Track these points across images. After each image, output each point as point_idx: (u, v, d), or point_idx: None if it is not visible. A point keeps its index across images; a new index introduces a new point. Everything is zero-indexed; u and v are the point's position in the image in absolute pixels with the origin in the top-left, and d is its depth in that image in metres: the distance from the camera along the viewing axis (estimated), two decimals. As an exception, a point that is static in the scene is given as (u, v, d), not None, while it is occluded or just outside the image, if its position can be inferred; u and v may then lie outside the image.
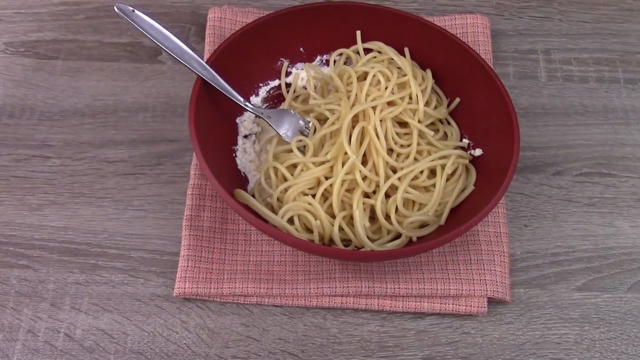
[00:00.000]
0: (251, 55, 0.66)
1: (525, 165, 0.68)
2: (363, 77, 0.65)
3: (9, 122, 0.68)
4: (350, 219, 0.59)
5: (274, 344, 0.58)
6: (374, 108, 0.61)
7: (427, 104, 0.64)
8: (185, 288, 0.59)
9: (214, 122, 0.62)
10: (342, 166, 0.59)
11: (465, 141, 0.65)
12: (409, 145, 0.62)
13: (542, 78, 0.74)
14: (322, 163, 0.60)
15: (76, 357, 0.57)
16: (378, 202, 0.59)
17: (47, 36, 0.73)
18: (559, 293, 0.62)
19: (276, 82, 0.69)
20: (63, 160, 0.66)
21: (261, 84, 0.68)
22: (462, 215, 0.59)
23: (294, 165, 0.61)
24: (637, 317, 0.61)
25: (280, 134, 0.63)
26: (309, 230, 0.59)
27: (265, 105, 0.68)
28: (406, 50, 0.67)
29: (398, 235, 0.60)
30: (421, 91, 0.64)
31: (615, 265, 0.63)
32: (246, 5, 0.74)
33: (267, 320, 0.59)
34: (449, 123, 0.66)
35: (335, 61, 0.68)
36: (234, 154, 0.64)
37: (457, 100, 0.66)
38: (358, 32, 0.68)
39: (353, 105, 0.62)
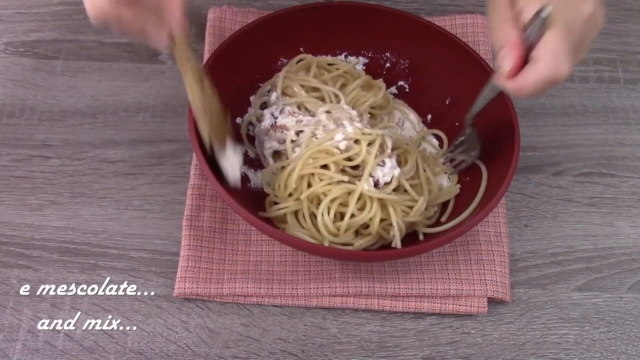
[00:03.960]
0: (251, 56, 0.66)
1: (525, 165, 0.68)
2: None
3: (9, 122, 0.68)
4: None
5: (274, 344, 0.58)
6: None
7: None
8: (185, 288, 0.58)
9: (214, 122, 0.61)
10: None
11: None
12: None
13: (542, 78, 0.74)
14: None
15: (76, 357, 0.57)
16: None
17: (47, 36, 0.73)
18: (559, 293, 0.62)
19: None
20: (63, 160, 0.66)
21: (261, 84, 0.68)
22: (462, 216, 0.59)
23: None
24: (637, 317, 0.61)
25: None
26: None
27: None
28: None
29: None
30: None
31: (615, 265, 0.63)
32: (246, 5, 0.74)
33: (267, 320, 0.59)
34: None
35: None
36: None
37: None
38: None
39: None
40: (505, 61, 0.48)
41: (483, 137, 0.64)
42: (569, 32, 0.46)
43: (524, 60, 0.48)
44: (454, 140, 0.65)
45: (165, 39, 0.50)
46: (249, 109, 0.67)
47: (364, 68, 0.69)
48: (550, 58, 0.46)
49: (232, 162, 0.58)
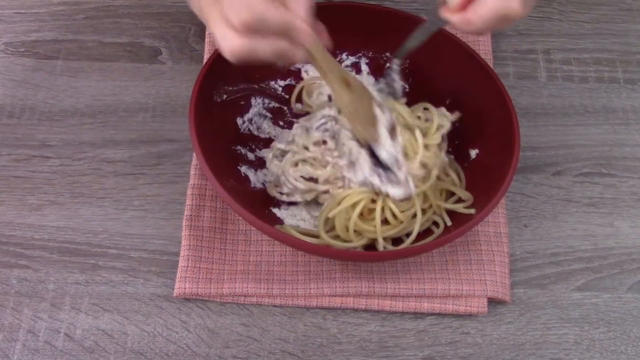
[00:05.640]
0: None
1: (525, 165, 0.68)
2: None
3: (9, 122, 0.68)
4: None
5: (274, 344, 0.58)
6: None
7: None
8: (185, 288, 0.59)
9: (214, 122, 0.62)
10: None
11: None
12: None
13: (542, 78, 0.74)
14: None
15: (76, 357, 0.57)
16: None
17: (47, 36, 0.73)
18: (559, 293, 0.62)
19: (275, 83, 0.69)
20: (63, 160, 0.66)
21: (262, 84, 0.68)
22: (462, 216, 0.59)
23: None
24: (637, 317, 0.61)
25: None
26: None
27: (264, 105, 0.68)
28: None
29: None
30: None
31: (615, 265, 0.63)
32: (246, 5, 0.74)
33: (267, 320, 0.59)
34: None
35: None
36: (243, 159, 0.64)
37: (457, 114, 0.65)
38: None
39: None
40: None
41: (483, 135, 0.64)
42: None
43: None
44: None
45: (302, 55, 0.49)
46: (250, 109, 0.67)
47: (364, 68, 0.70)
48: None
49: (390, 151, 0.57)
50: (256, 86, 0.68)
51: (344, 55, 0.70)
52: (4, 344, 0.57)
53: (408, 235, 0.60)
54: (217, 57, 0.62)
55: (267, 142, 0.66)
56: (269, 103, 0.68)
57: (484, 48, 0.72)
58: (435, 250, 0.61)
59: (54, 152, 0.66)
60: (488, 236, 0.62)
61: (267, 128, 0.67)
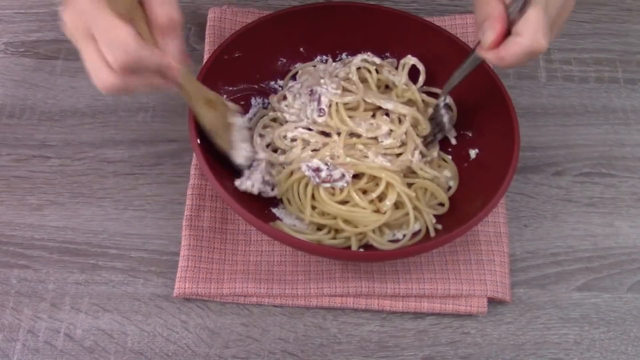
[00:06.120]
0: (251, 56, 0.66)
1: (525, 165, 0.68)
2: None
3: (9, 122, 0.68)
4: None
5: (274, 344, 0.58)
6: None
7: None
8: (185, 288, 0.59)
9: (214, 122, 0.61)
10: None
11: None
12: None
13: (542, 78, 0.74)
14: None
15: (76, 357, 0.57)
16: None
17: (47, 36, 0.73)
18: (559, 293, 0.62)
19: (275, 83, 0.69)
20: (63, 160, 0.66)
21: (262, 84, 0.68)
22: (462, 216, 0.59)
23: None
24: (637, 317, 0.61)
25: None
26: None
27: (264, 105, 0.68)
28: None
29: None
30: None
31: (615, 265, 0.63)
32: (246, 5, 0.74)
33: (267, 320, 0.59)
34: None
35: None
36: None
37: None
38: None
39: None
40: (488, 33, 0.51)
41: (483, 135, 0.64)
42: (547, 11, 0.50)
43: (505, 34, 0.51)
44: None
45: (173, 87, 0.53)
46: (250, 109, 0.67)
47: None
48: (532, 32, 0.49)
49: (247, 151, 0.62)
50: (256, 86, 0.68)
51: (343, 55, 0.70)
52: (4, 344, 0.57)
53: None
54: (217, 57, 0.62)
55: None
56: (269, 103, 0.68)
57: (484, 48, 0.72)
58: (435, 250, 0.61)
59: (54, 152, 0.66)
60: (488, 236, 0.62)
61: (267, 128, 0.67)
